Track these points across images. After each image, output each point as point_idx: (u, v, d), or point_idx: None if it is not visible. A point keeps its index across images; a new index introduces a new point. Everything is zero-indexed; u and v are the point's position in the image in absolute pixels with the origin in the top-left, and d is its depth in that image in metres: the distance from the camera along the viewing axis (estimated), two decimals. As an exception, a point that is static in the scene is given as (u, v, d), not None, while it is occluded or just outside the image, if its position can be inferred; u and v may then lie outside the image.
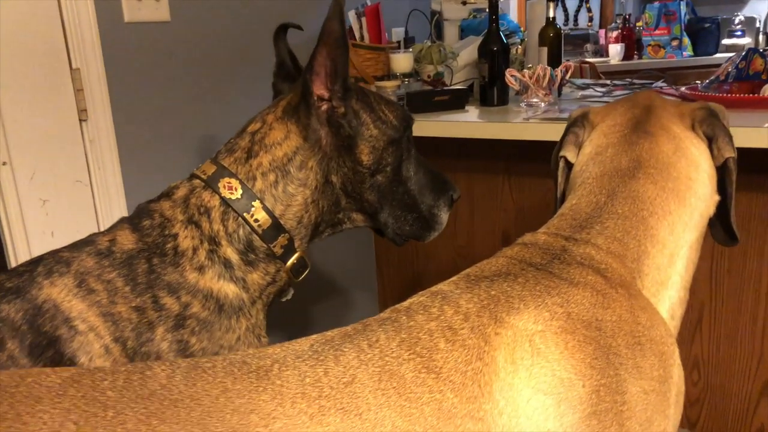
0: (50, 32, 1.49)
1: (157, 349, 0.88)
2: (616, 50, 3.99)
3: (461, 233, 2.13)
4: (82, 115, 1.56)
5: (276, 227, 0.98)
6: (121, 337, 0.86)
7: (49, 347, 0.84)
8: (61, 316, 0.85)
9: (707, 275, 1.67)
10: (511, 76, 1.83)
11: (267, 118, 1.02)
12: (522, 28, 2.58)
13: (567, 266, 0.74)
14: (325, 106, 0.99)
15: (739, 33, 4.01)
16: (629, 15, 4.29)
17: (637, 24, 4.21)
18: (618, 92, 2.01)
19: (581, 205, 0.83)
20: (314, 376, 0.60)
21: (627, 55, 4.03)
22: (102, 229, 0.98)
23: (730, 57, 1.76)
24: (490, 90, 1.94)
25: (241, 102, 1.89)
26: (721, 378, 1.72)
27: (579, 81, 2.37)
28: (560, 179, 0.94)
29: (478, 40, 2.04)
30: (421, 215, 1.12)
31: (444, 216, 1.14)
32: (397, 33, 2.35)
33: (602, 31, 4.36)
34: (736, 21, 4.04)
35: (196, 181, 0.99)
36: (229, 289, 0.94)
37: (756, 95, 1.50)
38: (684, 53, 3.93)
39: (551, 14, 2.03)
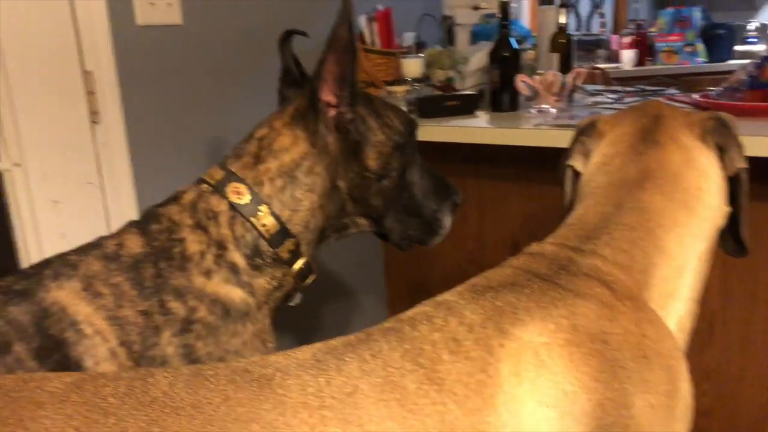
0: (63, 35, 1.50)
1: (163, 354, 0.88)
2: (628, 56, 3.96)
3: (470, 239, 2.12)
4: (94, 117, 1.57)
5: (283, 232, 0.98)
6: (127, 341, 0.87)
7: (55, 350, 0.84)
8: (67, 319, 0.85)
9: (718, 284, 1.65)
10: (522, 81, 1.83)
11: (274, 123, 1.02)
12: (533, 34, 2.57)
13: (573, 277, 0.73)
14: (332, 112, 1.00)
15: (753, 39, 3.98)
16: (643, 20, 4.26)
17: (651, 30, 4.18)
18: (629, 99, 2.00)
19: (588, 216, 0.82)
20: (316, 385, 0.59)
21: (640, 61, 4.00)
22: (112, 231, 0.99)
23: (744, 65, 1.74)
24: (501, 96, 1.93)
25: (252, 106, 1.89)
26: (732, 388, 1.70)
27: (590, 87, 2.35)
28: (567, 188, 0.93)
29: (489, 45, 2.04)
30: (425, 220, 1.12)
31: (448, 221, 1.14)
32: (408, 38, 2.35)
33: (615, 37, 4.33)
34: (751, 27, 4.01)
35: (204, 186, 0.99)
36: (235, 294, 0.94)
37: (769, 104, 1.49)
38: (697, 59, 3.90)
39: (563, 20, 2.02)
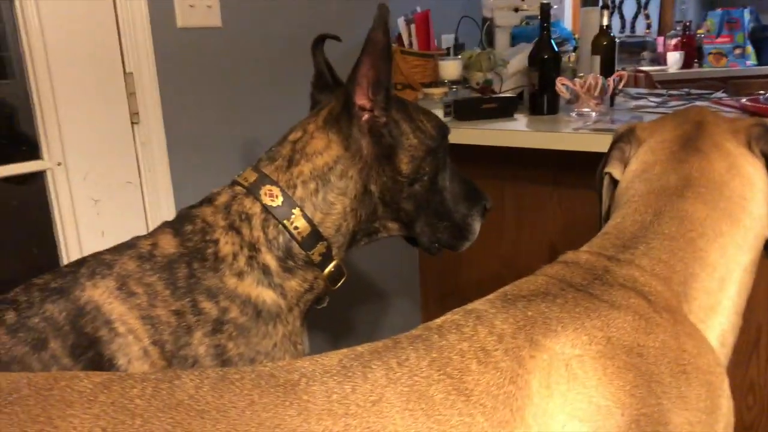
0: (105, 37, 1.53)
1: (194, 353, 0.89)
2: (674, 58, 3.86)
3: (507, 243, 2.09)
4: (134, 118, 1.60)
5: (315, 235, 0.98)
6: (159, 341, 0.88)
7: (89, 348, 0.86)
8: (102, 317, 0.87)
9: (765, 296, 1.59)
10: (562, 84, 1.80)
11: (308, 127, 1.02)
12: (575, 36, 2.53)
13: (609, 288, 0.71)
14: (366, 116, 0.99)
15: (806, 42, 3.84)
16: (690, 22, 4.15)
17: (698, 31, 4.07)
18: (674, 103, 1.94)
19: (626, 224, 0.80)
20: (341, 392, 0.59)
21: (686, 64, 3.90)
22: (150, 230, 1.00)
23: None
24: (540, 98, 1.91)
25: (288, 109, 1.89)
26: (777, 403, 1.64)
27: (633, 91, 2.30)
28: (605, 196, 0.91)
29: (529, 47, 2.01)
30: (455, 224, 1.12)
31: (477, 225, 1.14)
32: (447, 40, 2.33)
33: (661, 39, 4.23)
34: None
35: (238, 188, 1.00)
36: (267, 296, 0.95)
37: (822, 109, 1.43)
38: (747, 62, 3.79)
39: (605, 22, 1.98)
